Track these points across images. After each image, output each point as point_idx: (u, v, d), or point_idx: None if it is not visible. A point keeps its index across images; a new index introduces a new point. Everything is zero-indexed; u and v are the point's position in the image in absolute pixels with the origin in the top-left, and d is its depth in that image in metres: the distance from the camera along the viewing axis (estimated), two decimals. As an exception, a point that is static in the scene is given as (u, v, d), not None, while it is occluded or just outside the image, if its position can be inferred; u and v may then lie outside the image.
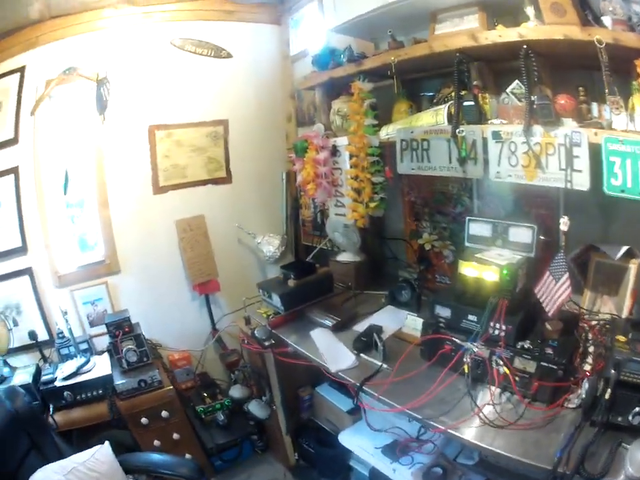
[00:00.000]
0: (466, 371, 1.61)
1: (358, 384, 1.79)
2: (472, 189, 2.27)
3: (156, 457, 2.17)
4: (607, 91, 1.46)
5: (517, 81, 1.71)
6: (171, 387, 2.63)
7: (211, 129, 3.07)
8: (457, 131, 1.82)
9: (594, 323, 1.75)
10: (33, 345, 2.67)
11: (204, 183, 3.14)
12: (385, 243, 2.78)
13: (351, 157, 2.31)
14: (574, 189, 1.57)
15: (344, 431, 2.39)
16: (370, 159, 2.24)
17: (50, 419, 2.36)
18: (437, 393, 1.62)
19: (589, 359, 1.63)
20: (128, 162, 2.89)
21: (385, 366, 1.86)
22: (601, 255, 1.79)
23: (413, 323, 2.07)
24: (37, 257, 2.75)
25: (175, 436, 2.68)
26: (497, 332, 1.63)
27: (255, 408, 2.63)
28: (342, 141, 2.38)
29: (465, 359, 1.62)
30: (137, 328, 2.66)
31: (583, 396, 1.47)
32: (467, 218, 1.94)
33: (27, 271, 2.73)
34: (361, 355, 1.96)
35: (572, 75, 1.74)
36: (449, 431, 1.52)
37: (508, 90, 1.75)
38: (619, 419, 1.40)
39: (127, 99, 2.82)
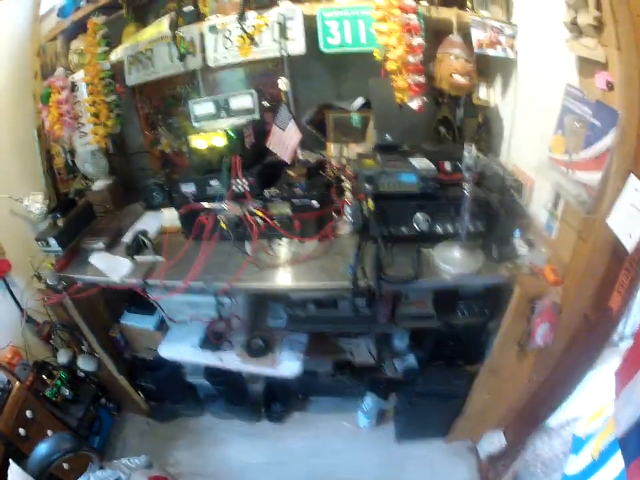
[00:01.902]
0: (223, 226, 1.77)
1: (142, 281, 1.87)
2: (199, 86, 2.36)
3: (43, 447, 1.94)
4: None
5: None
6: (19, 384, 2.42)
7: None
8: (175, 32, 1.96)
9: (341, 164, 2.05)
10: None
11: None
12: (129, 160, 2.84)
13: (87, 86, 2.34)
14: (293, 57, 1.87)
15: (161, 345, 2.43)
16: (103, 83, 2.30)
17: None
18: (211, 260, 1.77)
19: (348, 194, 1.90)
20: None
21: (159, 258, 1.95)
22: (338, 111, 2.07)
23: (170, 215, 2.16)
24: None
25: (49, 432, 2.46)
26: (239, 188, 1.80)
27: (83, 363, 2.58)
28: (79, 75, 2.40)
29: (219, 218, 1.77)
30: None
31: (351, 220, 1.75)
32: (189, 101, 2.10)
33: None
34: (135, 257, 2.01)
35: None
36: (235, 284, 1.68)
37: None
38: (404, 229, 1.70)
39: None
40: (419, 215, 1.70)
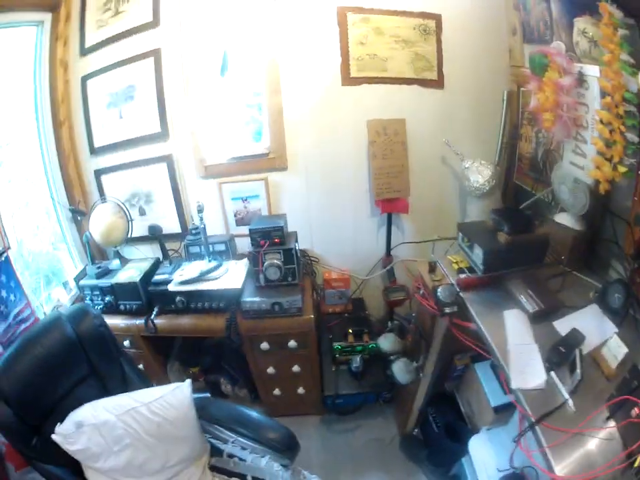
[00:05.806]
0: None
1: (533, 420, 1.28)
2: None
3: (244, 411, 1.79)
4: None
5: None
6: (311, 317, 2.22)
7: (419, 21, 2.43)
8: None
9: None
10: (154, 238, 2.49)
11: (409, 81, 2.53)
12: (608, 218, 1.93)
13: (603, 95, 1.62)
14: None
15: (476, 436, 1.95)
16: (625, 107, 1.54)
17: (150, 323, 2.22)
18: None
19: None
20: (307, 45, 2.43)
21: (570, 402, 1.31)
22: None
23: (615, 348, 1.44)
24: (179, 145, 2.52)
25: (295, 368, 2.39)
26: None
27: (399, 371, 2.21)
28: (591, 70, 1.70)
29: None
30: (290, 240, 2.23)
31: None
32: None
33: (165, 159, 2.53)
34: (551, 373, 1.43)
35: None
36: None
37: None
38: None
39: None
40: None
